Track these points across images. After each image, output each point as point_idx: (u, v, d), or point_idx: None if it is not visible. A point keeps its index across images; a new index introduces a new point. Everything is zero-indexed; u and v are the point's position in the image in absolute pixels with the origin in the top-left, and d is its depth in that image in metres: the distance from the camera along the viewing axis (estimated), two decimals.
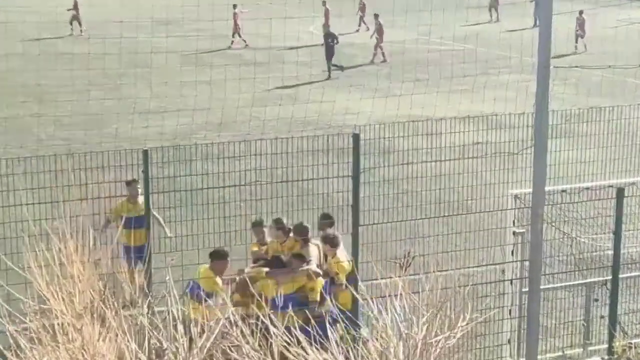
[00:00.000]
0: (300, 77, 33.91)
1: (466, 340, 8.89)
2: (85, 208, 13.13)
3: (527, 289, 12.23)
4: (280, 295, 10.97)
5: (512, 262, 13.22)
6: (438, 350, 7.63)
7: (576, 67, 32.38)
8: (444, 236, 14.32)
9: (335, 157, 14.79)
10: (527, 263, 12.41)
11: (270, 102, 30.33)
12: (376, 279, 10.34)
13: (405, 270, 8.60)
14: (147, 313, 7.89)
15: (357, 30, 49.79)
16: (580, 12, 43.80)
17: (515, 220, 13.22)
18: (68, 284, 7.25)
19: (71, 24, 49.80)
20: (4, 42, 34.52)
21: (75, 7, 49.94)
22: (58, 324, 7.21)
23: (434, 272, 8.12)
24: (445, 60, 33.86)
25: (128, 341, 7.13)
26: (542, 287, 12.20)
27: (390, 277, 8.55)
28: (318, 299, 12.49)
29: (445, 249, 13.39)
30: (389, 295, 7.96)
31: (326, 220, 14.03)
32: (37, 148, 23.90)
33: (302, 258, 12.92)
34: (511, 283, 13.22)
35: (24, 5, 41.74)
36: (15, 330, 7.43)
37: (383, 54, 41.15)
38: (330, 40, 38.46)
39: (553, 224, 13.40)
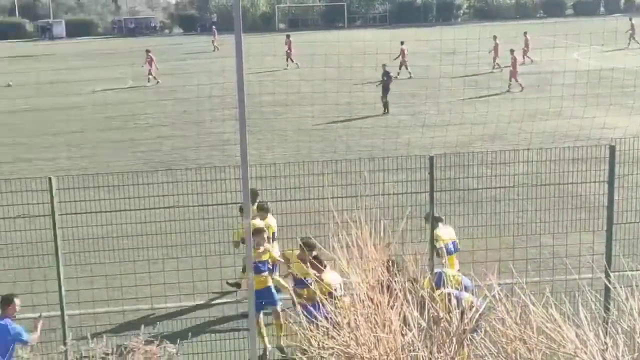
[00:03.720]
0: (565, 97, 32.84)
1: None
2: (379, 202, 13.44)
3: None
4: None
5: None
6: None
7: None
8: None
9: (592, 165, 14.18)
10: None
11: (537, 118, 29.55)
12: (625, 270, 9.86)
13: None
14: (426, 288, 7.94)
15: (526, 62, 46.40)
16: None
17: None
18: (364, 263, 7.44)
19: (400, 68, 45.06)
20: (324, 68, 35.77)
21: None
22: (356, 294, 7.41)
23: None
24: None
25: (411, 310, 7.21)
26: None
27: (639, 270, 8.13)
28: None
29: None
30: (637, 285, 7.56)
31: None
32: (345, 153, 24.66)
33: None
34: None
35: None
36: (322, 297, 7.70)
37: (520, 84, 38.41)
38: (385, 78, 34.34)
39: None
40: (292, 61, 49.92)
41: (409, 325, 7.15)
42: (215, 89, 35.58)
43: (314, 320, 7.18)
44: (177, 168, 20.30)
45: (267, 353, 12.90)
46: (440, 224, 13.07)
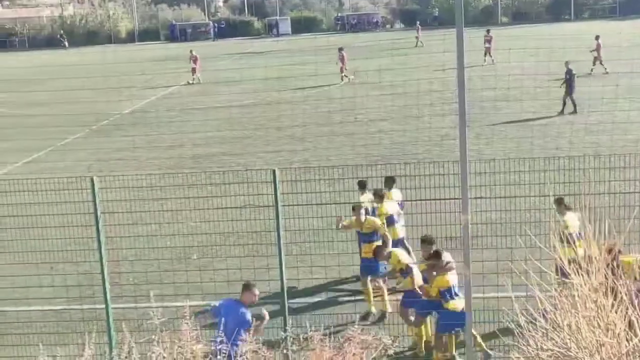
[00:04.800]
0: None
1: None
2: (605, 201, 12.90)
3: None
4: None
5: None
6: None
7: None
8: None
9: None
10: None
11: None
12: None
13: None
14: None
15: None
16: None
17: None
18: (586, 263, 7.19)
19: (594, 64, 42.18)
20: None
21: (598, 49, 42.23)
22: (577, 296, 7.18)
23: None
24: None
25: (637, 314, 6.89)
26: None
27: None
28: None
29: None
30: None
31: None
32: (569, 149, 23.87)
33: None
34: None
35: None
36: (541, 297, 7.54)
37: None
38: (568, 76, 32.08)
39: None
40: (490, 56, 48.88)
41: (634, 330, 6.84)
42: (435, 83, 35.55)
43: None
44: (396, 162, 20.51)
45: (371, 315, 13.84)
46: (568, 212, 12.84)
